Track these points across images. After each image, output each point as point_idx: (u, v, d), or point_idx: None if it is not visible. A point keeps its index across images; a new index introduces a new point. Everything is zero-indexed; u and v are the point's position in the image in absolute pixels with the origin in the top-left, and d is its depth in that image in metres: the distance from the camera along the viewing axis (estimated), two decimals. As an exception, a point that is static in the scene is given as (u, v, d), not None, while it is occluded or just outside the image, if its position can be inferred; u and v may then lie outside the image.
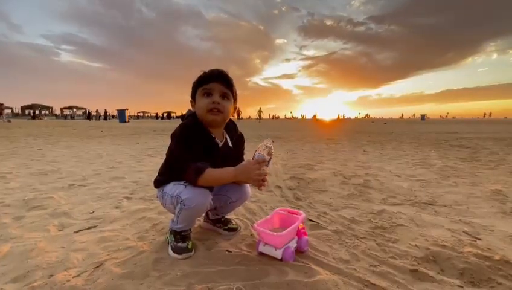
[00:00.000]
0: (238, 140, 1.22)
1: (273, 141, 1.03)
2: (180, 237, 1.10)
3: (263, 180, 0.97)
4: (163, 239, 1.21)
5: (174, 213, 1.09)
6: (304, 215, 1.15)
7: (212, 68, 1.08)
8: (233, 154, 1.18)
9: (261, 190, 0.98)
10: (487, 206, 1.67)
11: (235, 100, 1.14)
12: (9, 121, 19.76)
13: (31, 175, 2.46)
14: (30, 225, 1.35)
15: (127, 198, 1.81)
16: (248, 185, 1.23)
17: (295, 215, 1.15)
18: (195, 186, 1.01)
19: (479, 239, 1.24)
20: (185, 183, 1.04)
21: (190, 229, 1.16)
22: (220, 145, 1.12)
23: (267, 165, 0.99)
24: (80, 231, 1.29)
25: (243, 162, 1.03)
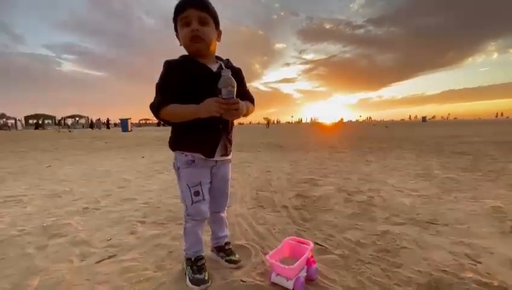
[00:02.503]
0: (235, 72, 1.14)
1: (228, 71, 0.97)
2: (196, 268, 1.18)
3: (226, 109, 0.96)
4: (180, 268, 1.28)
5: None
6: (312, 245, 1.22)
7: None
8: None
9: (232, 118, 1.04)
10: (487, 225, 1.73)
11: (217, 23, 1.10)
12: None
13: (45, 197, 2.55)
14: (54, 255, 1.43)
15: (141, 222, 1.89)
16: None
17: (304, 245, 1.23)
18: (157, 118, 1.05)
19: (480, 263, 1.30)
20: (194, 198, 1.13)
21: (204, 259, 1.24)
22: (214, 70, 1.10)
23: (232, 98, 0.97)
24: (101, 261, 1.37)
25: (206, 99, 0.98)
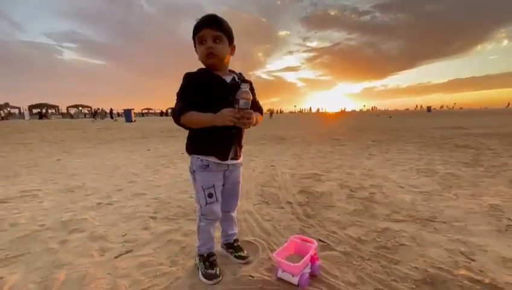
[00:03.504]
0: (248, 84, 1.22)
1: (247, 85, 1.10)
2: (209, 264, 1.28)
3: (240, 119, 1.08)
4: (192, 263, 1.39)
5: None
6: (316, 243, 1.31)
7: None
8: None
9: (244, 127, 1.15)
10: (484, 223, 1.81)
11: (231, 39, 1.19)
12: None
13: (59, 192, 2.67)
14: (75, 249, 1.54)
15: (153, 218, 1.99)
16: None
17: (308, 244, 1.32)
18: (177, 124, 1.15)
19: (473, 260, 1.39)
20: (208, 200, 1.23)
21: (215, 255, 1.34)
22: (228, 82, 1.20)
23: (247, 108, 1.09)
24: (119, 256, 1.47)
25: (222, 109, 1.09)
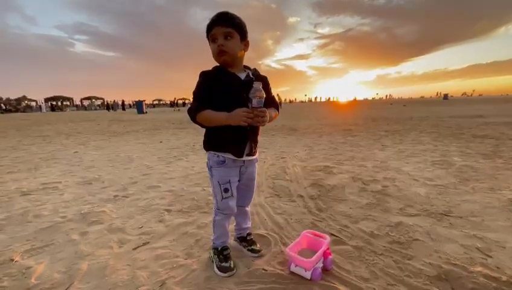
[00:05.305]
0: (262, 79, 1.22)
1: (259, 83, 1.10)
2: (223, 257, 1.32)
3: (253, 118, 1.08)
4: (207, 256, 1.43)
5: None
6: (328, 239, 1.32)
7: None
8: None
9: (258, 125, 1.14)
10: (502, 219, 1.76)
11: (243, 35, 1.18)
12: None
13: (77, 185, 2.78)
14: (95, 241, 1.62)
15: (167, 210, 2.05)
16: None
17: (321, 239, 1.33)
18: (194, 122, 1.18)
19: (490, 257, 1.36)
20: (224, 195, 1.26)
21: (229, 249, 1.38)
22: (243, 78, 1.21)
23: (260, 106, 1.09)
24: (137, 248, 1.53)
25: (236, 109, 1.10)
